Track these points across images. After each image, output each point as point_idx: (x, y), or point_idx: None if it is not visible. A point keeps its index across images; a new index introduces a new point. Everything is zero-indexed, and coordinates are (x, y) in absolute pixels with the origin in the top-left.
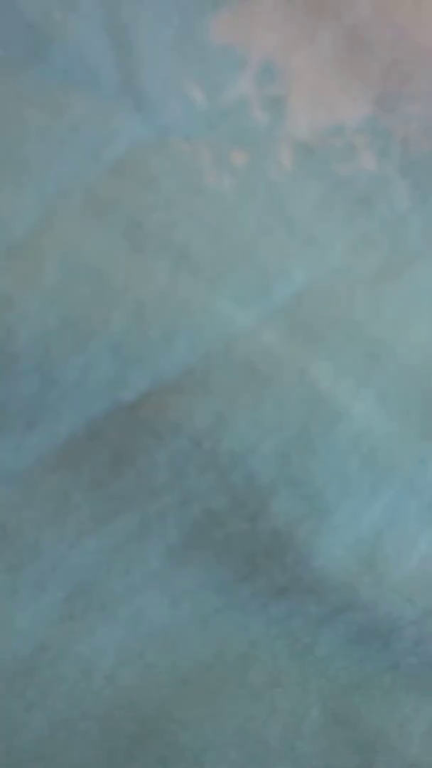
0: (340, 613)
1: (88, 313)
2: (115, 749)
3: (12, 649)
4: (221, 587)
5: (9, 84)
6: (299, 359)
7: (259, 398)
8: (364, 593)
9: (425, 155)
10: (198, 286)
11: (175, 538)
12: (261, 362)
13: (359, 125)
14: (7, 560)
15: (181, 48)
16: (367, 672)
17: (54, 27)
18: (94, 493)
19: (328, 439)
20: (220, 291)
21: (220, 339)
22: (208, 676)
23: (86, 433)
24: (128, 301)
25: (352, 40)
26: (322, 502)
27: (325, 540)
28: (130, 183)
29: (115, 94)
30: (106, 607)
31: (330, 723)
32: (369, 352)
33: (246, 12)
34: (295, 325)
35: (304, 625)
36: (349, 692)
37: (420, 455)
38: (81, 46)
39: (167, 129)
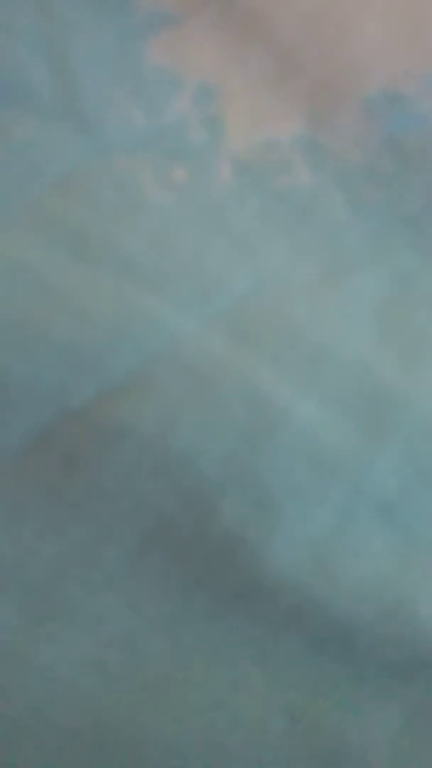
0: (297, 616)
1: (34, 321)
2: (77, 757)
3: None
4: (180, 593)
5: None
6: (242, 364)
7: (203, 402)
8: (320, 595)
9: (359, 167)
10: (141, 294)
11: (131, 543)
12: (205, 367)
13: (294, 141)
14: None
15: (119, 72)
16: (329, 679)
17: None
18: (49, 500)
19: (273, 442)
20: (164, 298)
21: (164, 344)
22: (170, 684)
23: (37, 439)
24: (73, 308)
25: (282, 61)
26: (271, 504)
27: (276, 541)
28: (73, 198)
29: (57, 117)
30: (66, 615)
31: (293, 731)
32: (310, 357)
33: (181, 37)
34: (238, 331)
35: (264, 631)
36: (312, 699)
37: (366, 456)
38: (23, 72)
39: (109, 148)
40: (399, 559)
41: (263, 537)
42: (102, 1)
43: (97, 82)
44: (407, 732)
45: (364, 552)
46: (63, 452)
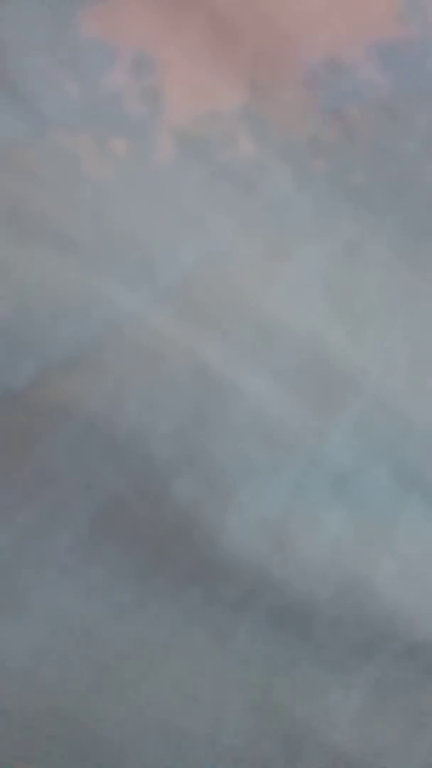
0: (255, 596)
1: None
2: (34, 746)
3: None
4: (134, 576)
5: None
6: (189, 340)
7: (150, 380)
8: (277, 574)
9: (303, 138)
10: (83, 271)
11: (82, 527)
12: (151, 344)
13: (236, 112)
14: None
15: (53, 43)
16: (289, 659)
17: None
18: None
19: (224, 419)
20: (106, 275)
21: (108, 322)
22: (127, 669)
23: None
24: (12, 287)
25: (220, 28)
26: (224, 482)
27: (231, 520)
28: (8, 173)
29: None
30: (18, 602)
31: (254, 712)
32: (260, 331)
33: (115, 6)
34: (184, 306)
35: (221, 611)
36: (272, 680)
37: (319, 431)
38: None
39: (44, 121)
40: (355, 535)
41: (217, 516)
42: None
43: (30, 55)
44: (370, 710)
45: (319, 528)
46: (8, 436)
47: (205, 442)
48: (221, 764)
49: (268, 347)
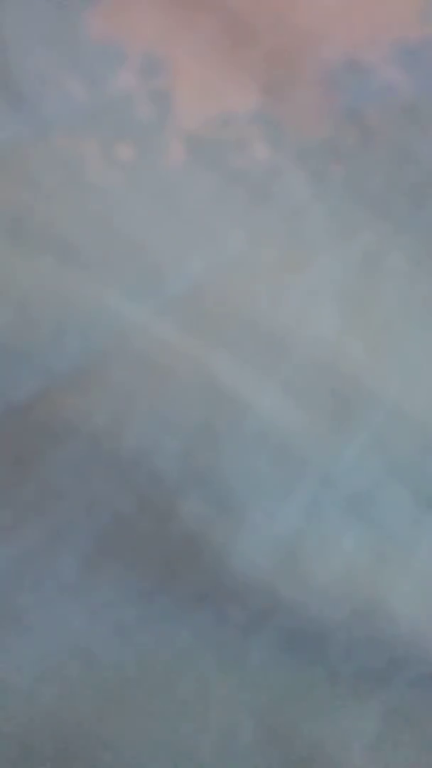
0: (267, 618)
1: None
2: None
3: None
4: (140, 596)
5: None
6: (198, 353)
7: (157, 394)
8: (289, 596)
9: (320, 142)
10: (86, 281)
11: (86, 545)
12: (157, 357)
13: (250, 115)
14: None
15: (57, 43)
16: (302, 682)
17: None
18: None
19: (234, 435)
20: (110, 285)
21: (113, 334)
22: (132, 692)
23: None
24: (12, 297)
25: (233, 28)
26: (234, 501)
27: (241, 541)
28: (9, 179)
29: None
30: (20, 622)
31: (265, 738)
32: (272, 345)
33: (123, 6)
34: (193, 318)
35: (232, 633)
36: (284, 704)
37: (333, 447)
38: None
39: (47, 124)
40: (371, 556)
41: (227, 536)
42: None
43: (34, 55)
44: (385, 737)
45: (334, 549)
46: (9, 451)
47: (214, 460)
48: None
49: (281, 361)
